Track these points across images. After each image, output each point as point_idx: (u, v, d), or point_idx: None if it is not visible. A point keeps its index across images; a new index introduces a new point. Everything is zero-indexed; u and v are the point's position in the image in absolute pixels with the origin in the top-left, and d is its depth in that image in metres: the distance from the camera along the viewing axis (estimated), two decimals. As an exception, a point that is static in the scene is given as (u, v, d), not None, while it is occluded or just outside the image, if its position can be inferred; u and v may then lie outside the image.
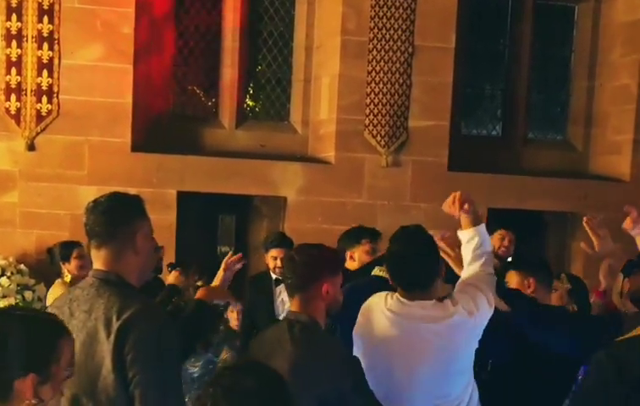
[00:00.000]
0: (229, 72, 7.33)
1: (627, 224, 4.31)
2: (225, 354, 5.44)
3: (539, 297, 3.84)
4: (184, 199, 7.07)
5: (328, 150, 7.21)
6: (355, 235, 4.75)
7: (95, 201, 2.80)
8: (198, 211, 7.33)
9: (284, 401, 1.96)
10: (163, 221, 6.81)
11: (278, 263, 5.39)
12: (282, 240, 5.68)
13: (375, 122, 7.07)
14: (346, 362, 2.99)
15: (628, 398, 2.23)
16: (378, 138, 7.09)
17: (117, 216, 2.75)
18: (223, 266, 3.39)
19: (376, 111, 7.05)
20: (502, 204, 7.35)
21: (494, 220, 6.92)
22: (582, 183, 7.67)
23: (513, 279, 3.96)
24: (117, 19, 6.73)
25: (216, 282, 3.43)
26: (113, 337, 2.58)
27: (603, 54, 7.76)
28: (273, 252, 5.64)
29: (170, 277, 4.76)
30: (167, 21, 7.25)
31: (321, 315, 3.04)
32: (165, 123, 7.29)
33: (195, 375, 5.21)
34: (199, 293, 3.28)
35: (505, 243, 5.96)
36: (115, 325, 2.58)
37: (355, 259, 4.60)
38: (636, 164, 7.57)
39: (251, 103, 7.75)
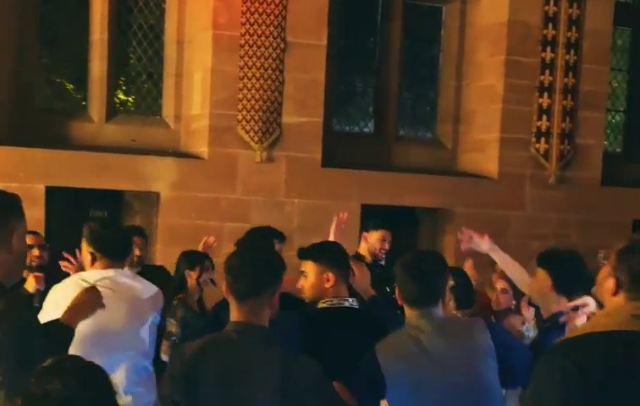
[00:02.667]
0: (98, 65, 7.16)
1: (463, 247, 4.56)
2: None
3: (337, 291, 3.55)
4: (52, 194, 6.85)
5: (201, 145, 7.16)
6: (264, 235, 4.73)
7: None
8: (68, 207, 7.12)
9: (97, 400, 1.85)
10: (31, 217, 6.49)
11: None
12: None
13: (248, 117, 7.06)
14: None
15: (588, 400, 2.23)
16: (252, 134, 7.08)
17: None
18: None
19: (249, 106, 7.04)
20: (375, 200, 7.49)
21: (368, 216, 7.05)
22: (451, 179, 7.90)
23: (311, 270, 3.59)
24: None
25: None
26: None
27: (469, 54, 8.01)
28: None
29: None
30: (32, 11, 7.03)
31: None
32: (32, 117, 7.05)
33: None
34: (64, 317, 3.11)
35: (386, 245, 5.72)
36: None
37: None
38: (502, 162, 7.84)
39: (122, 97, 7.60)
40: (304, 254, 3.62)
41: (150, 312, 3.73)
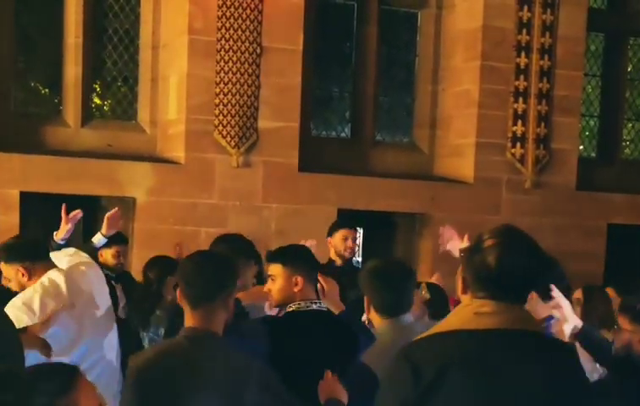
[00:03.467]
0: (73, 69, 7.11)
1: (442, 248, 4.59)
2: None
3: (305, 294, 3.52)
4: (27, 199, 6.80)
5: (178, 150, 7.13)
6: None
7: None
8: (43, 212, 7.05)
9: None
10: (5, 223, 6.54)
11: None
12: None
13: (225, 122, 7.05)
14: None
15: (422, 400, 2.26)
16: (228, 138, 7.07)
17: None
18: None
19: (225, 111, 7.03)
20: (352, 205, 7.51)
21: (344, 221, 7.06)
22: (428, 184, 7.92)
23: (280, 273, 3.55)
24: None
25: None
26: None
27: (445, 60, 8.05)
28: None
29: None
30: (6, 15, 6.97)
31: None
32: (6, 121, 7.00)
33: None
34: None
35: (349, 243, 5.78)
36: None
37: None
38: (478, 166, 7.88)
39: (97, 102, 7.56)
40: (272, 257, 3.59)
41: None
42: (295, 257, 3.60)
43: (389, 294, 3.52)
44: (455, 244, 4.44)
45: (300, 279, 3.49)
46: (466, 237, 4.43)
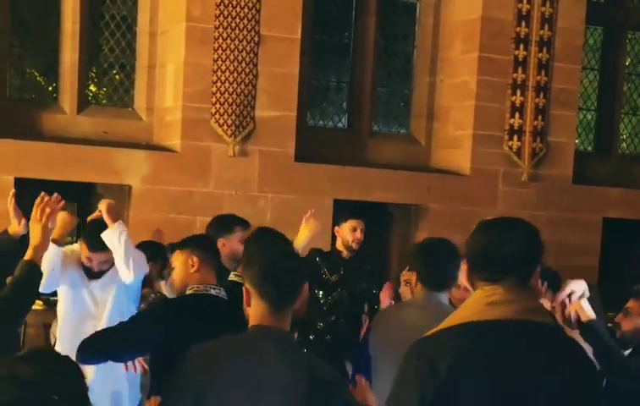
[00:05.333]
0: (70, 55, 7.07)
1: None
2: None
3: (203, 278, 3.51)
4: (21, 185, 6.74)
5: (174, 138, 7.10)
6: (228, 223, 4.66)
7: None
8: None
9: (67, 388, 1.83)
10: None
11: None
12: None
13: (222, 111, 7.02)
14: None
15: (440, 395, 2.28)
16: (225, 127, 7.04)
17: None
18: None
19: (222, 100, 7.00)
20: (347, 195, 7.49)
21: (339, 211, 7.04)
22: (425, 176, 7.92)
23: (177, 259, 3.58)
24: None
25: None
26: None
27: (443, 51, 8.02)
28: None
29: None
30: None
31: None
32: (2, 107, 6.96)
33: None
34: (30, 254, 3.14)
35: (358, 234, 5.60)
36: None
37: (227, 247, 4.39)
38: (475, 158, 7.87)
39: (94, 88, 7.52)
40: (172, 248, 3.67)
41: None
42: (191, 240, 3.65)
43: (435, 270, 3.68)
44: None
45: (195, 259, 3.49)
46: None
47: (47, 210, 3.25)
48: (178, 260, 3.54)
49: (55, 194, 3.36)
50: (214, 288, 3.48)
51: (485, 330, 2.33)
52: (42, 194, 3.35)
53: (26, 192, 6.64)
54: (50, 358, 1.92)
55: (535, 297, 2.46)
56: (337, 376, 2.78)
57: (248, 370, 2.59)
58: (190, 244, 3.58)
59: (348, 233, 5.57)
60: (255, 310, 2.67)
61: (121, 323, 3.57)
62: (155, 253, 5.12)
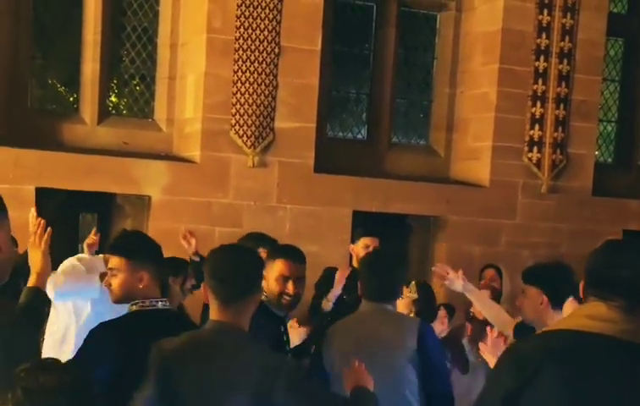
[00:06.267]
0: (91, 66, 7.10)
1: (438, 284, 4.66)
2: None
3: (149, 291, 3.33)
4: (42, 195, 6.80)
5: (194, 149, 7.12)
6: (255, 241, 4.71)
7: None
8: (58, 209, 7.08)
9: (88, 397, 1.93)
10: (20, 218, 6.39)
11: None
12: None
13: (241, 122, 7.03)
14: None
15: (522, 391, 2.37)
16: (244, 138, 7.05)
17: None
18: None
19: (242, 111, 7.01)
20: (366, 207, 7.49)
21: (359, 223, 7.04)
22: (444, 187, 7.89)
23: (122, 267, 3.35)
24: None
25: None
26: None
27: (463, 62, 8.01)
28: None
29: None
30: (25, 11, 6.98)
31: None
32: (23, 117, 7.00)
33: None
34: (33, 280, 3.16)
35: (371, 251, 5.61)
36: None
37: None
38: (494, 170, 7.84)
39: (114, 99, 7.56)
40: (114, 248, 3.41)
41: None
42: (141, 251, 3.36)
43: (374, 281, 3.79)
44: (451, 279, 4.42)
45: (145, 275, 3.28)
46: (460, 272, 4.41)
47: (45, 236, 3.23)
48: (123, 268, 3.31)
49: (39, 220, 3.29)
50: (160, 301, 3.36)
51: (574, 337, 2.39)
52: (38, 219, 3.31)
53: (47, 202, 6.80)
54: (66, 367, 2.02)
55: (638, 321, 2.45)
56: (284, 362, 2.90)
57: (203, 364, 2.78)
58: (140, 255, 3.33)
59: (362, 251, 5.55)
60: (210, 306, 2.88)
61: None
62: (177, 268, 5.10)
